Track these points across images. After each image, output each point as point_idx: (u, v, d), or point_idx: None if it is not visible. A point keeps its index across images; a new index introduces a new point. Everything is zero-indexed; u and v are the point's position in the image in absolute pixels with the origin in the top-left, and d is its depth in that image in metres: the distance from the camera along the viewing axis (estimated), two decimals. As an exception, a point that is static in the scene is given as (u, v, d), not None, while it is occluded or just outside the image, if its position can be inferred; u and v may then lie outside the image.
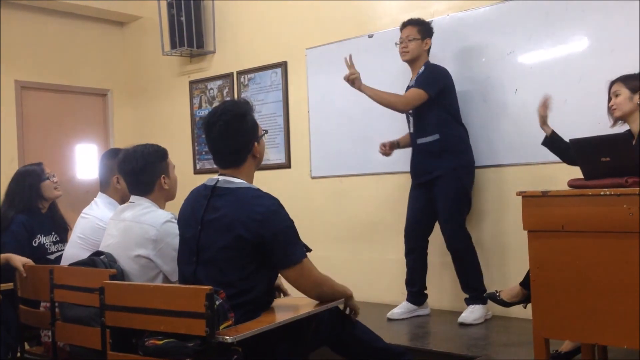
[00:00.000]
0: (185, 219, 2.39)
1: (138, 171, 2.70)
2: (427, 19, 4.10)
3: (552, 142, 3.23)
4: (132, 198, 2.75)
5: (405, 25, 3.91)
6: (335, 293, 2.41)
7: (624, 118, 2.93)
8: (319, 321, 2.35)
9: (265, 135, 2.44)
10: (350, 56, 3.80)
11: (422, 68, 3.86)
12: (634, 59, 3.33)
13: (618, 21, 3.51)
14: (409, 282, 4.01)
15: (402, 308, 3.98)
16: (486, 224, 4.04)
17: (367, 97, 3.80)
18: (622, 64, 3.22)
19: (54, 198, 3.54)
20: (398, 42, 3.91)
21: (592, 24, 3.62)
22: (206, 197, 2.31)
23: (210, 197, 2.30)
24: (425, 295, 4.03)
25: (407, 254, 4.00)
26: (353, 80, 3.76)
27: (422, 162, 3.89)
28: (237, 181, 2.32)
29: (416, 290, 3.99)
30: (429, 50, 3.91)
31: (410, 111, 3.89)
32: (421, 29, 3.87)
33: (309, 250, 2.30)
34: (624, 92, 2.88)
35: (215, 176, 2.39)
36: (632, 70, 3.00)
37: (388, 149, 4.04)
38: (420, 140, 3.87)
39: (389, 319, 3.94)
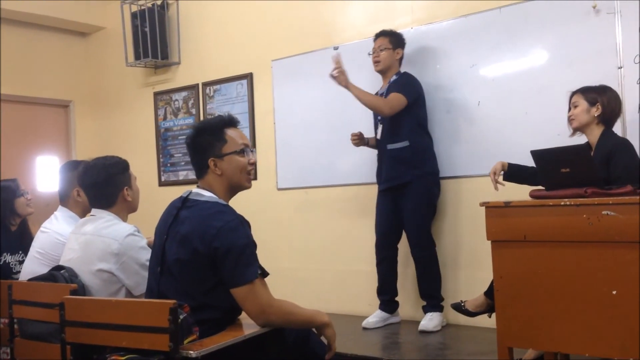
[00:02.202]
0: (157, 229, 2.37)
1: (100, 184, 2.65)
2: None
3: (512, 175, 3.16)
4: (94, 211, 2.69)
5: (377, 36, 4.02)
6: (295, 322, 2.29)
7: (581, 129, 2.97)
8: (285, 336, 2.32)
9: (245, 153, 2.34)
10: (339, 54, 3.85)
11: (395, 76, 3.95)
12: (591, 71, 3.42)
13: (576, 35, 3.60)
14: (381, 291, 4.04)
15: (377, 317, 4.01)
16: (448, 235, 4.08)
17: (353, 97, 3.83)
18: (580, 76, 3.31)
19: (26, 215, 3.48)
20: (371, 53, 4.01)
21: (552, 38, 3.70)
22: (177, 208, 2.31)
23: (180, 209, 2.29)
24: (397, 303, 4.08)
25: (379, 263, 4.04)
26: (339, 76, 3.77)
27: (391, 168, 3.94)
28: (207, 195, 2.30)
29: (388, 298, 4.04)
30: (400, 60, 4.02)
31: (380, 118, 3.96)
32: (393, 39, 3.98)
33: (266, 274, 2.21)
34: (582, 103, 2.93)
35: (192, 188, 2.37)
36: (589, 82, 3.04)
37: (358, 139, 4.05)
38: (390, 146, 3.92)
39: (364, 328, 3.95)
